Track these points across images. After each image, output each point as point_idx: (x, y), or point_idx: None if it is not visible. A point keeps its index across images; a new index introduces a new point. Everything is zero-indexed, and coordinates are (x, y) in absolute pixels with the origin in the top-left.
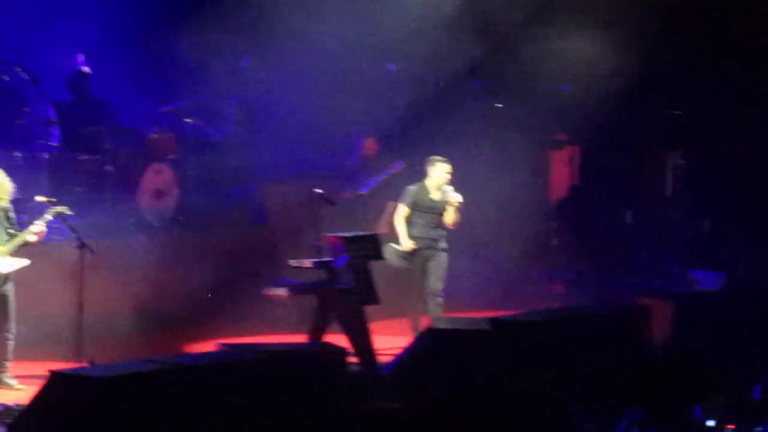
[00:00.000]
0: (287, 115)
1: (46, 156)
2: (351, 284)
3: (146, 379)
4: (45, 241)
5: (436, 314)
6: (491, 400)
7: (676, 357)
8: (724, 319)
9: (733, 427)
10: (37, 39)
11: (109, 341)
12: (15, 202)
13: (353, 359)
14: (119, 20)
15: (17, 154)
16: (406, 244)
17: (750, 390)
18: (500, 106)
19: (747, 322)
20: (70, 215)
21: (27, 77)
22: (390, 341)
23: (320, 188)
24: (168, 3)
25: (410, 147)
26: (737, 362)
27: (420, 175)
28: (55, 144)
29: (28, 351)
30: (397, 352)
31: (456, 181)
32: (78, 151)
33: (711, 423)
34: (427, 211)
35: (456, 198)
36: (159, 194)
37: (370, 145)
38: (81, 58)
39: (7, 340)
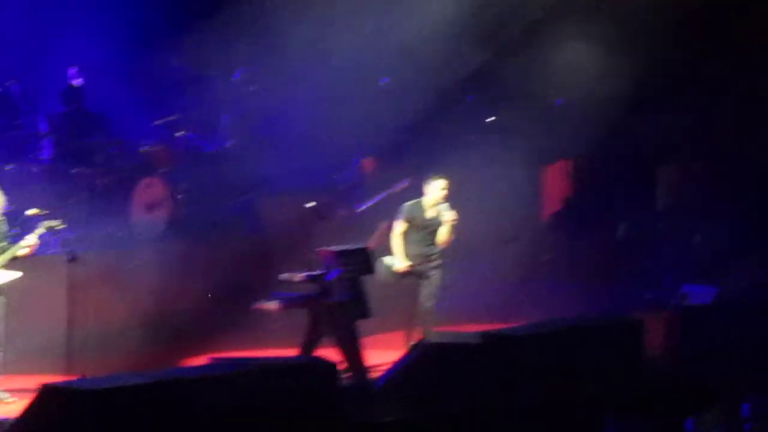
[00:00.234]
0: (281, 129)
1: (38, 169)
2: (343, 298)
3: (137, 393)
4: (37, 254)
5: (428, 328)
6: (484, 415)
7: (669, 370)
8: (717, 333)
9: None
10: (31, 52)
11: (101, 355)
12: (7, 214)
13: (345, 373)
14: (112, 34)
15: (10, 166)
16: (401, 264)
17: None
18: (493, 119)
19: (739, 337)
20: (62, 228)
21: (20, 90)
22: (383, 356)
23: (314, 203)
24: (161, 17)
25: (404, 161)
26: (730, 376)
27: (417, 190)
28: (47, 157)
29: (19, 364)
30: (389, 366)
31: (451, 195)
32: (70, 164)
33: None
34: (421, 229)
35: (449, 216)
36: (152, 207)
37: (368, 163)
38: (73, 71)
39: None
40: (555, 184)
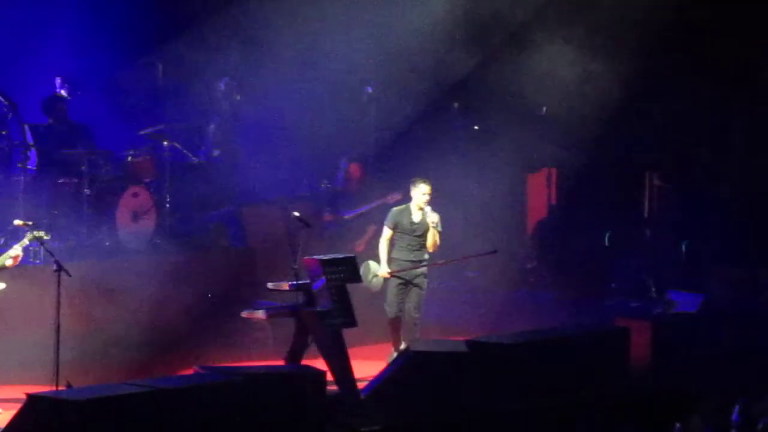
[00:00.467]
0: (266, 138)
1: (23, 179)
2: (328, 307)
3: (122, 403)
4: (22, 264)
5: (414, 337)
6: (470, 422)
7: (655, 377)
8: (702, 340)
9: None
10: (15, 63)
11: (87, 365)
12: None
13: (331, 382)
14: (97, 44)
15: None
16: (384, 270)
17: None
18: (476, 128)
19: (725, 343)
20: (47, 239)
21: (5, 101)
22: (370, 366)
23: (299, 211)
24: (144, 27)
25: (390, 168)
26: (715, 383)
27: (408, 201)
28: (32, 167)
29: (4, 375)
30: (375, 375)
31: (436, 203)
32: (55, 174)
33: None
34: (408, 233)
35: (432, 218)
36: (136, 217)
37: (355, 169)
38: (58, 81)
39: None
40: (539, 192)
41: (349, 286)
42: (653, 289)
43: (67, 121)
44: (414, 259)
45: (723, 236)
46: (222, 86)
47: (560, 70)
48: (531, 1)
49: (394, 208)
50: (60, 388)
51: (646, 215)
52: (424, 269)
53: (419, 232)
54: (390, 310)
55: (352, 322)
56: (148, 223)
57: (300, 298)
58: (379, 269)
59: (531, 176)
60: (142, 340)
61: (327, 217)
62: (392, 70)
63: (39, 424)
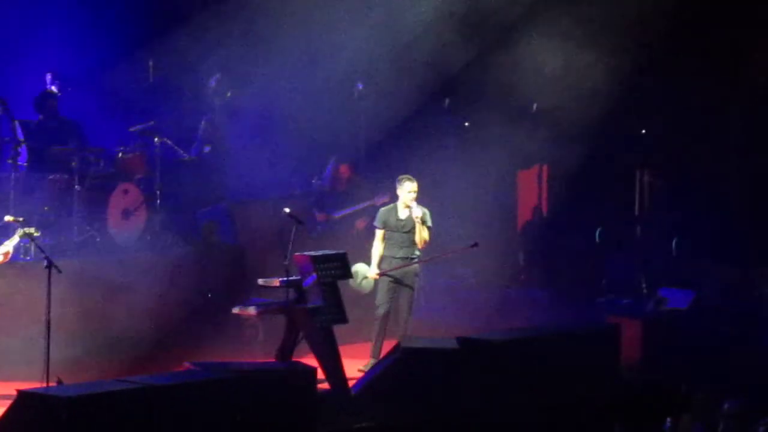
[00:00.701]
0: (257, 135)
1: (13, 176)
2: (319, 303)
3: (113, 399)
4: (13, 261)
5: (405, 334)
6: (461, 420)
7: (646, 374)
8: (693, 337)
9: None
10: (5, 59)
11: (77, 362)
12: None
13: (322, 378)
14: (88, 40)
15: None
16: (373, 271)
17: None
18: (467, 124)
19: (715, 340)
20: (37, 235)
21: None
22: (360, 364)
23: (291, 208)
24: (135, 23)
25: (379, 166)
26: (706, 380)
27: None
28: (22, 164)
29: None
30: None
31: (426, 200)
32: (45, 170)
33: None
34: (396, 230)
35: (416, 213)
36: (127, 214)
37: (344, 170)
38: (49, 77)
39: None
40: (531, 189)
41: (339, 284)
42: (644, 286)
43: (58, 117)
44: (404, 255)
45: (714, 233)
46: (213, 83)
47: (551, 67)
48: None
49: (382, 209)
50: (51, 384)
51: (637, 212)
52: (415, 268)
53: (407, 228)
54: (380, 307)
55: (342, 319)
56: (138, 220)
57: (291, 294)
58: (368, 271)
59: (522, 173)
60: (133, 336)
61: (320, 217)
62: (383, 67)
63: (29, 420)
